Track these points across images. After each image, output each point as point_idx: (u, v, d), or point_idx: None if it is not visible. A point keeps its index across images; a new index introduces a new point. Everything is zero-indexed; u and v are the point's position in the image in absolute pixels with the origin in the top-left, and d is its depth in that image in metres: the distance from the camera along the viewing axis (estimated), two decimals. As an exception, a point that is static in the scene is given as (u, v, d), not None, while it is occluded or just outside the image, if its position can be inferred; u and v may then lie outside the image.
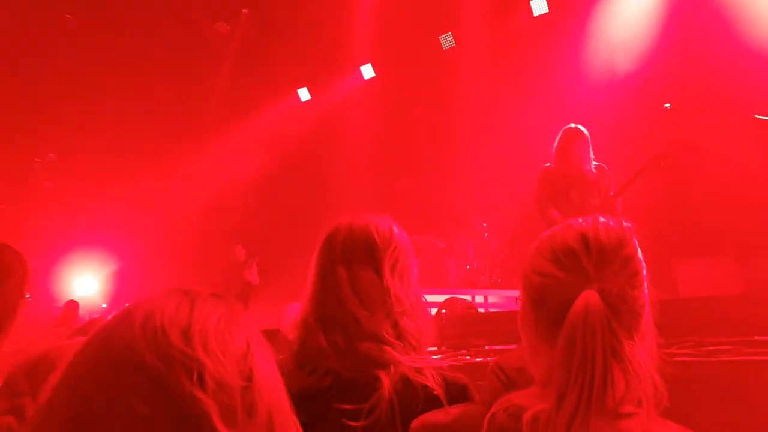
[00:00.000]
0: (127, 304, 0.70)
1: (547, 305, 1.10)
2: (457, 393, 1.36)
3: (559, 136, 4.87)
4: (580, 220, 1.17)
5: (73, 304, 7.34)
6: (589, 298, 1.02)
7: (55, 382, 0.65)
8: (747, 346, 2.67)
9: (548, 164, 4.96)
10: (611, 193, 4.84)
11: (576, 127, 4.81)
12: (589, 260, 1.08)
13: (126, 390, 0.61)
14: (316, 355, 1.43)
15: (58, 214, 8.38)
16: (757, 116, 4.51)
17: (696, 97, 5.97)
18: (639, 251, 1.14)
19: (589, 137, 4.77)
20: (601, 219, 1.16)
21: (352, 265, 1.49)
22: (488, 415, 1.08)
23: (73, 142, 8.48)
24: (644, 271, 1.13)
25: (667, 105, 4.87)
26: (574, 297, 1.03)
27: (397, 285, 1.48)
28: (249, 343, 0.70)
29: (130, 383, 0.61)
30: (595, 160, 4.82)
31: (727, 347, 2.67)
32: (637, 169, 4.82)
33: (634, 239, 1.15)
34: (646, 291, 1.12)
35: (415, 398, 1.34)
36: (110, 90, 8.73)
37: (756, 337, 2.72)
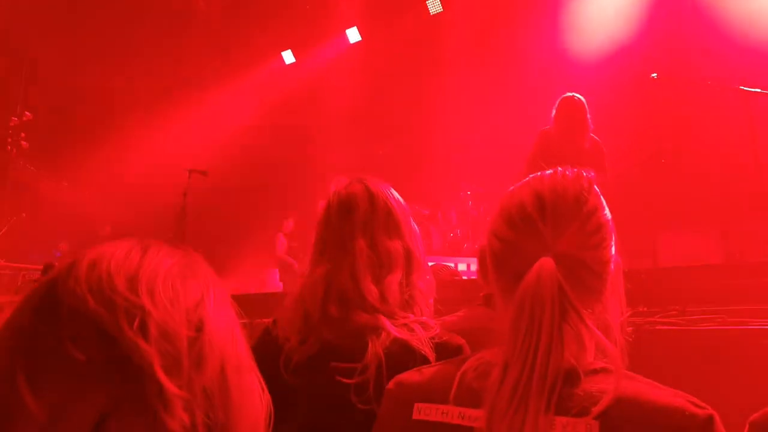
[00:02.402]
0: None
1: (506, 272, 1.08)
2: (450, 354, 1.36)
3: (558, 104, 4.79)
4: (539, 174, 1.14)
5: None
6: (542, 267, 0.99)
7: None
8: (729, 314, 2.70)
9: (547, 127, 4.89)
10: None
11: (575, 97, 4.74)
12: (545, 223, 1.04)
13: (64, 335, 0.59)
14: (312, 325, 1.44)
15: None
16: (741, 87, 4.53)
17: (682, 68, 5.96)
18: (603, 205, 1.10)
19: (587, 108, 4.71)
20: (560, 171, 1.13)
21: (374, 236, 1.49)
22: (459, 373, 1.07)
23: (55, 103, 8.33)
24: (609, 225, 1.09)
25: (654, 75, 4.86)
26: (530, 264, 1.00)
27: (415, 246, 1.53)
28: (203, 294, 0.67)
29: (69, 328, 0.59)
30: (592, 132, 4.77)
31: (710, 316, 2.70)
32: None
33: (597, 192, 1.10)
34: (613, 247, 1.08)
35: (405, 360, 1.33)
36: (91, 54, 8.54)
37: (738, 306, 2.75)
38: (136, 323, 0.60)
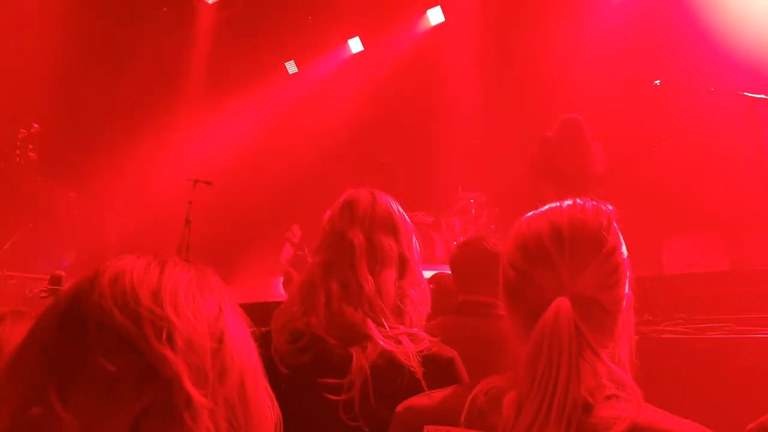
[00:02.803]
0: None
1: (520, 304, 1.09)
2: (440, 367, 1.37)
3: (558, 125, 4.80)
4: (558, 205, 1.13)
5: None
6: (559, 308, 1.00)
7: (21, 341, 0.64)
8: (736, 323, 2.69)
9: (549, 133, 4.90)
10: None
11: (574, 117, 4.75)
12: (563, 259, 1.05)
13: (94, 348, 0.60)
14: (309, 316, 1.47)
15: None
16: (745, 93, 4.53)
17: (686, 74, 5.96)
18: (620, 242, 1.11)
19: (586, 128, 4.72)
20: (580, 205, 1.13)
21: (372, 231, 1.54)
22: (469, 398, 1.07)
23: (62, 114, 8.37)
24: (625, 264, 1.10)
25: (657, 82, 4.86)
26: (547, 302, 1.01)
27: (412, 257, 1.58)
28: (221, 306, 0.69)
29: (98, 341, 0.61)
30: (591, 147, 4.77)
31: (716, 324, 2.69)
32: (630, 159, 4.81)
33: (616, 230, 1.11)
34: (627, 285, 1.10)
35: (391, 375, 1.35)
36: (94, 62, 8.58)
37: (745, 314, 2.74)
38: (163, 335, 0.62)
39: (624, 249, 1.11)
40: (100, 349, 0.60)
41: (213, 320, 0.67)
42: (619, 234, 1.12)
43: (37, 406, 0.59)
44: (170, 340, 0.62)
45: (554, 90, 6.58)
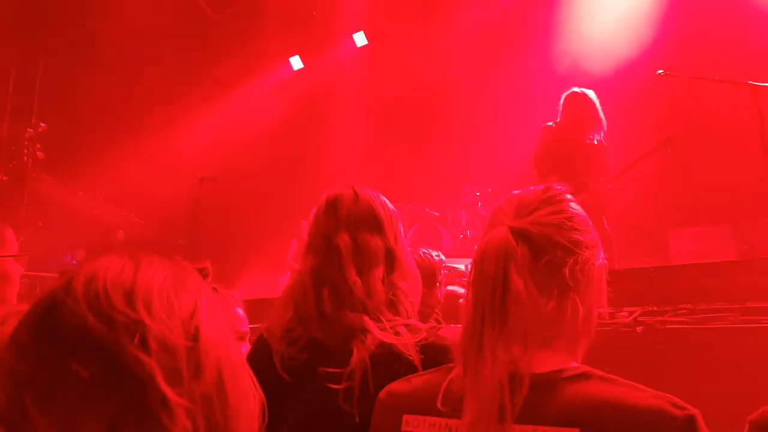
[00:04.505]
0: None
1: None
2: (438, 356, 1.37)
3: (565, 99, 4.75)
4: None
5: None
6: (496, 233, 1.06)
7: (1, 348, 0.65)
8: (741, 312, 2.69)
9: (551, 123, 4.86)
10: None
11: (583, 92, 4.70)
12: (510, 209, 1.13)
13: (68, 354, 0.61)
14: (303, 323, 1.49)
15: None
16: (751, 82, 4.49)
17: (690, 63, 5.93)
18: (584, 222, 1.14)
19: (598, 104, 4.67)
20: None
21: (356, 231, 1.55)
22: (445, 383, 1.09)
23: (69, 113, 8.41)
24: (587, 229, 1.13)
25: (660, 71, 4.84)
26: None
27: (399, 248, 1.58)
28: (196, 303, 0.70)
29: (72, 347, 0.62)
30: (600, 131, 4.72)
31: (721, 314, 2.69)
32: (641, 154, 4.77)
33: (570, 203, 1.16)
34: (595, 249, 1.12)
35: (391, 365, 1.36)
36: (100, 60, 8.61)
37: (749, 304, 2.74)
38: (136, 339, 0.63)
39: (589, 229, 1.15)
40: (74, 354, 0.61)
41: (187, 318, 0.68)
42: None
43: (14, 410, 0.60)
44: (143, 342, 0.63)
45: (560, 80, 6.56)
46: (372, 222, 1.57)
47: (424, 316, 2.59)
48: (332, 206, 1.59)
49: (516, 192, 1.19)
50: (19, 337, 0.65)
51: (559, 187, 1.18)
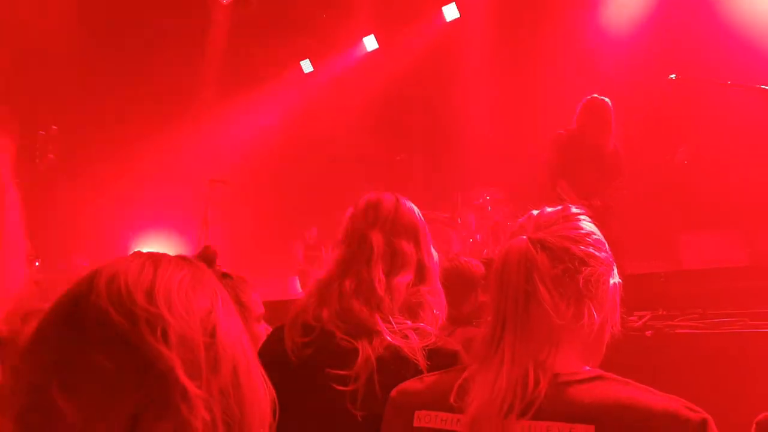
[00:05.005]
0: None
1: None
2: (445, 360, 1.38)
3: (584, 105, 4.73)
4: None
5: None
6: (516, 242, 1.10)
7: (29, 338, 0.68)
8: (750, 317, 2.68)
9: (563, 130, 4.85)
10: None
11: (602, 99, 4.68)
12: (530, 225, 1.16)
13: (93, 346, 0.64)
14: (323, 306, 1.51)
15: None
16: (762, 87, 4.47)
17: (701, 68, 5.91)
18: (597, 246, 1.16)
19: (612, 111, 4.66)
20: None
21: (392, 235, 1.57)
22: (458, 382, 1.11)
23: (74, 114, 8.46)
24: (599, 247, 1.15)
25: (673, 76, 4.82)
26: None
27: (431, 263, 1.60)
28: (213, 302, 0.73)
29: (96, 339, 0.65)
30: (613, 139, 4.71)
31: (731, 319, 2.68)
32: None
33: (586, 222, 1.19)
34: (606, 263, 1.14)
35: (397, 368, 1.37)
36: (112, 64, 8.68)
37: (759, 309, 2.72)
38: (158, 332, 0.66)
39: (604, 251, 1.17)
40: (99, 346, 0.64)
41: (205, 315, 0.71)
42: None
43: (42, 399, 0.63)
44: (164, 336, 0.66)
45: (571, 85, 6.55)
46: (409, 231, 1.59)
47: (461, 323, 2.62)
48: (372, 208, 1.61)
49: (535, 212, 1.23)
50: (45, 332, 0.68)
51: (575, 209, 1.22)
